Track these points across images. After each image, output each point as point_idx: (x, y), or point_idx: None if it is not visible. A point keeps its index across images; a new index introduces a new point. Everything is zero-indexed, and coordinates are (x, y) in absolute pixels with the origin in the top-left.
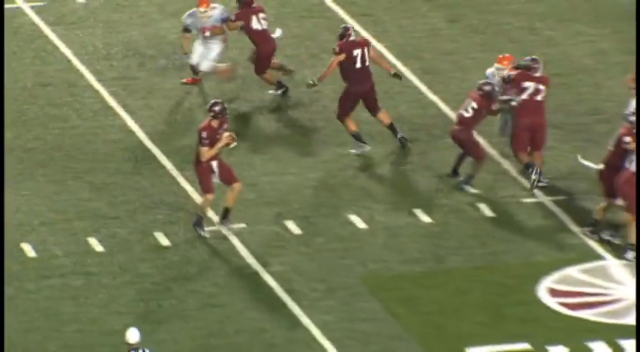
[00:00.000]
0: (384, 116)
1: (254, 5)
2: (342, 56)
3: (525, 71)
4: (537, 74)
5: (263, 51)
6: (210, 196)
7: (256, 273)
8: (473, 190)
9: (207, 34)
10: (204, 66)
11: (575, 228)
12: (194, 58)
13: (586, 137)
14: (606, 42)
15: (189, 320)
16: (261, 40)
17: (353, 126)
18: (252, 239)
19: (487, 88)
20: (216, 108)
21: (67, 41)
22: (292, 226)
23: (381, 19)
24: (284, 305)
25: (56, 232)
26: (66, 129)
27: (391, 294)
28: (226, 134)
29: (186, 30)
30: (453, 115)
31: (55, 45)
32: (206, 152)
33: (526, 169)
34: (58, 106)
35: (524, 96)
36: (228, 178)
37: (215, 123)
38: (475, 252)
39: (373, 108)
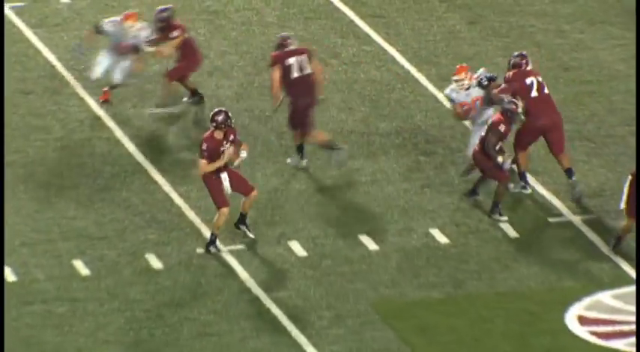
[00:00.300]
0: (320, 135)
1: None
2: (277, 68)
3: (519, 68)
4: (529, 68)
5: (193, 64)
6: (225, 210)
7: (257, 299)
8: (504, 218)
9: (151, 49)
10: (118, 76)
11: (606, 249)
12: (96, 73)
13: (619, 150)
14: None
15: (183, 350)
16: (194, 52)
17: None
18: (253, 261)
19: (510, 106)
20: (219, 118)
21: (50, 45)
22: (297, 247)
23: (394, 21)
24: (288, 334)
25: (38, 254)
26: (49, 141)
27: (406, 323)
28: (230, 150)
29: (99, 32)
30: (472, 126)
31: (38, 49)
32: (203, 165)
33: (520, 178)
34: (41, 116)
35: (534, 93)
36: (243, 188)
37: (219, 135)
38: (497, 276)
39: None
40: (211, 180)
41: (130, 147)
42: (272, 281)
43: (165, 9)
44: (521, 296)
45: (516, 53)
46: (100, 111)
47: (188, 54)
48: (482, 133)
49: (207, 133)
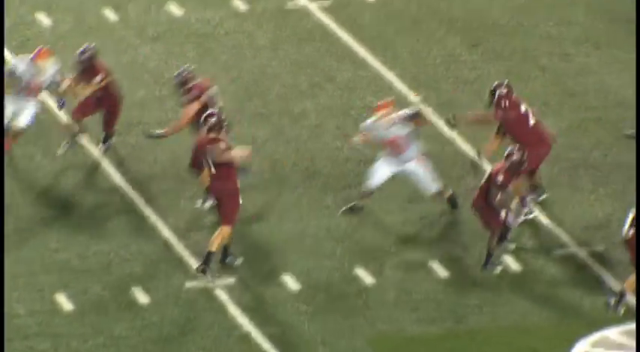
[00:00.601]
0: None
1: None
2: (198, 103)
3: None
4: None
5: (118, 106)
6: (231, 229)
7: (248, 335)
8: (499, 268)
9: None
10: (24, 121)
11: (614, 283)
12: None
13: (627, 179)
14: None
15: None
16: (116, 95)
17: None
18: (244, 295)
19: (518, 158)
20: (213, 120)
21: None
22: (290, 281)
23: (392, 44)
24: None
25: (19, 287)
26: (30, 170)
27: None
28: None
29: (12, 75)
30: (473, 153)
31: None
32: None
33: (522, 204)
34: (22, 143)
35: (532, 121)
36: None
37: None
38: (500, 310)
39: None
40: (236, 194)
41: (115, 175)
42: (264, 316)
43: (87, 49)
44: (524, 332)
45: (497, 83)
46: (84, 139)
47: (111, 96)
48: (483, 180)
49: (201, 138)
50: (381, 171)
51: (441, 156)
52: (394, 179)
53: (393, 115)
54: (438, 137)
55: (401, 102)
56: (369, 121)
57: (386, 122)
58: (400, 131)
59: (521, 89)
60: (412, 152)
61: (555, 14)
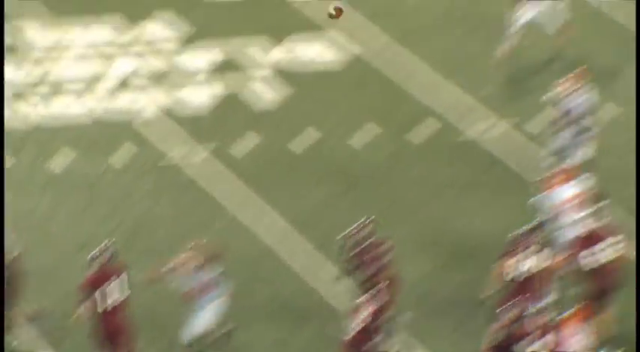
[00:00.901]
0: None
1: None
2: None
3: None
4: None
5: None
6: None
7: None
8: None
9: None
10: None
11: None
12: None
13: (488, 317)
14: (514, 215)
15: None
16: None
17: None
18: None
19: (384, 297)
20: (105, 256)
21: None
22: None
23: (270, 188)
24: None
25: None
26: None
27: None
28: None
29: None
30: (345, 306)
31: None
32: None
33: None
34: None
35: (387, 259)
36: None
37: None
38: None
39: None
40: (129, 329)
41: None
42: None
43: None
44: None
45: (362, 221)
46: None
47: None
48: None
49: (90, 275)
50: (199, 320)
51: (311, 296)
52: (271, 317)
53: (189, 265)
54: (306, 283)
55: (276, 247)
56: (170, 267)
57: (185, 272)
58: (202, 277)
59: (392, 233)
60: (214, 296)
61: (424, 160)
